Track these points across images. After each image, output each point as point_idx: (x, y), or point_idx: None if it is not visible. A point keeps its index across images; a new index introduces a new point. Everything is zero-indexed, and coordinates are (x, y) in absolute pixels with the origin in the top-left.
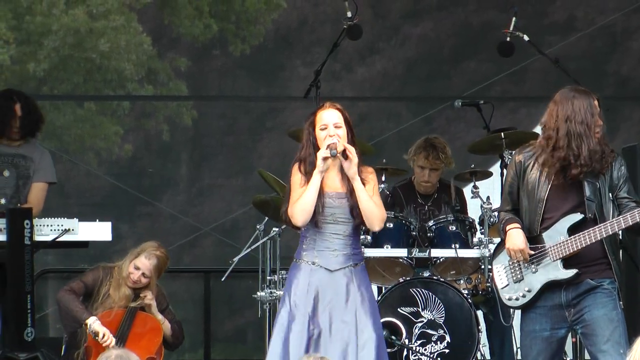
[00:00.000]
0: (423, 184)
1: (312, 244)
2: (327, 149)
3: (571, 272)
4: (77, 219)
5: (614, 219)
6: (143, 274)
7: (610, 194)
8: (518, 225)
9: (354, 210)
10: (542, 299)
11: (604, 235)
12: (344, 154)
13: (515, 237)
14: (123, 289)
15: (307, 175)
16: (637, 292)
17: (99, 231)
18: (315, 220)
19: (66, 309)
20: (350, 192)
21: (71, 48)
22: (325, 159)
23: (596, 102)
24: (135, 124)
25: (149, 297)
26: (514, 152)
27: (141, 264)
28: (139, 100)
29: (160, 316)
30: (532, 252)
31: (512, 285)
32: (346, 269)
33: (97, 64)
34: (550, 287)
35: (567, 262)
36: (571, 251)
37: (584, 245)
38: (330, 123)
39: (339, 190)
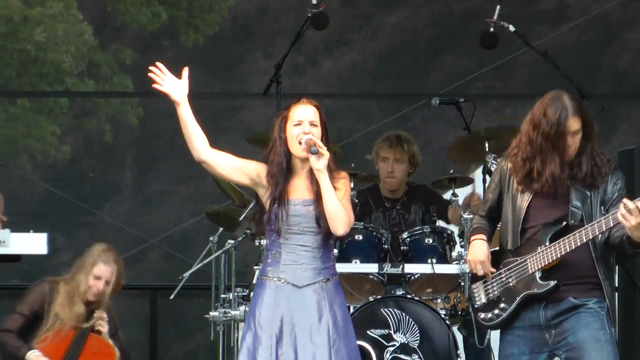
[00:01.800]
0: (387, 180)
1: (277, 257)
2: (305, 145)
3: (549, 284)
4: (9, 230)
5: (594, 221)
6: (106, 282)
7: (602, 207)
8: (482, 237)
9: (320, 219)
10: (520, 318)
11: (584, 240)
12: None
13: (477, 249)
14: (77, 307)
15: (274, 178)
16: (635, 313)
17: (33, 243)
18: (279, 230)
19: (5, 351)
20: (318, 199)
21: (3, 38)
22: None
23: (572, 122)
24: (74, 123)
25: (102, 321)
26: (501, 156)
27: (101, 271)
28: (79, 96)
29: (110, 341)
30: (493, 270)
31: (488, 304)
32: (316, 284)
33: (32, 56)
34: (529, 304)
35: (548, 275)
36: (550, 260)
37: (564, 251)
38: (305, 120)
39: (307, 196)
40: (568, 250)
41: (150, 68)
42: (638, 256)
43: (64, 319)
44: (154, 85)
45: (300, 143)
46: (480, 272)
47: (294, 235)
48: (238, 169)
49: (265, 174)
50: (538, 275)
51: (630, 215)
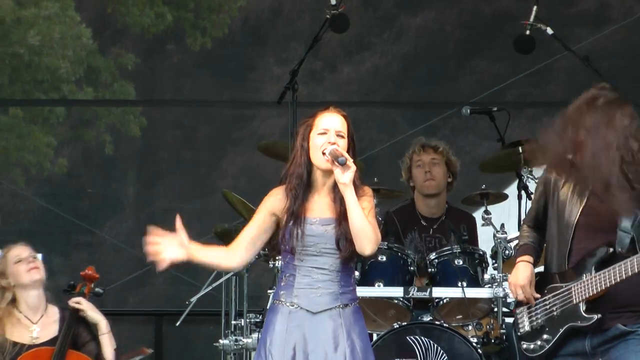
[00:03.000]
0: (426, 184)
1: (291, 280)
2: (330, 156)
3: (592, 318)
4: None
5: None
6: (31, 257)
7: None
8: (528, 258)
9: (340, 241)
10: (564, 346)
11: (629, 273)
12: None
13: (520, 272)
14: (21, 317)
15: (292, 191)
16: None
17: None
18: (292, 249)
19: None
20: (340, 219)
21: None
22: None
23: None
24: (71, 134)
25: (79, 304)
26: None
27: (16, 254)
28: (77, 105)
29: (100, 318)
30: (538, 295)
31: (532, 332)
32: (332, 310)
33: (26, 60)
34: (575, 333)
35: (594, 305)
36: (595, 292)
37: (610, 283)
38: (332, 129)
39: (326, 215)
40: (613, 282)
41: (145, 243)
42: None
43: (19, 339)
44: (157, 266)
45: (323, 154)
46: (521, 297)
47: (309, 257)
48: (263, 228)
49: (278, 205)
50: (582, 307)
51: None
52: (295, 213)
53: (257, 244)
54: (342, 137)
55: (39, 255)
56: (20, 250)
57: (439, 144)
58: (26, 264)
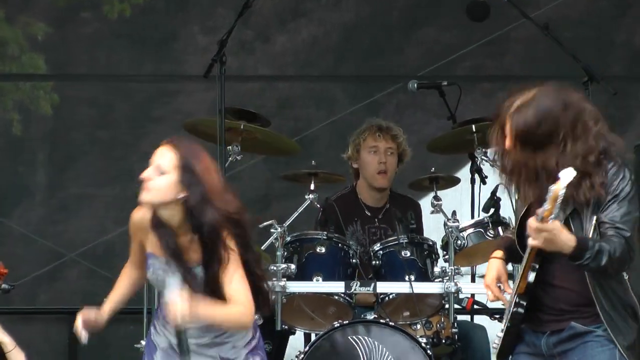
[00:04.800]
0: (379, 177)
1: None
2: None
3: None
4: None
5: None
6: None
7: (593, 217)
8: (498, 254)
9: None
10: (520, 344)
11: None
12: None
13: (488, 270)
14: None
15: None
16: None
17: None
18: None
19: None
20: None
21: None
22: None
23: None
24: None
25: None
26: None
27: None
28: None
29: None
30: (510, 290)
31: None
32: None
33: None
34: (530, 330)
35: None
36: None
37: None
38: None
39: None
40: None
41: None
42: (586, 269)
43: None
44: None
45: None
46: (491, 298)
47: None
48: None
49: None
50: (516, 299)
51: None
52: None
53: (141, 257)
54: (164, 172)
55: None
56: None
57: (398, 132)
58: None
